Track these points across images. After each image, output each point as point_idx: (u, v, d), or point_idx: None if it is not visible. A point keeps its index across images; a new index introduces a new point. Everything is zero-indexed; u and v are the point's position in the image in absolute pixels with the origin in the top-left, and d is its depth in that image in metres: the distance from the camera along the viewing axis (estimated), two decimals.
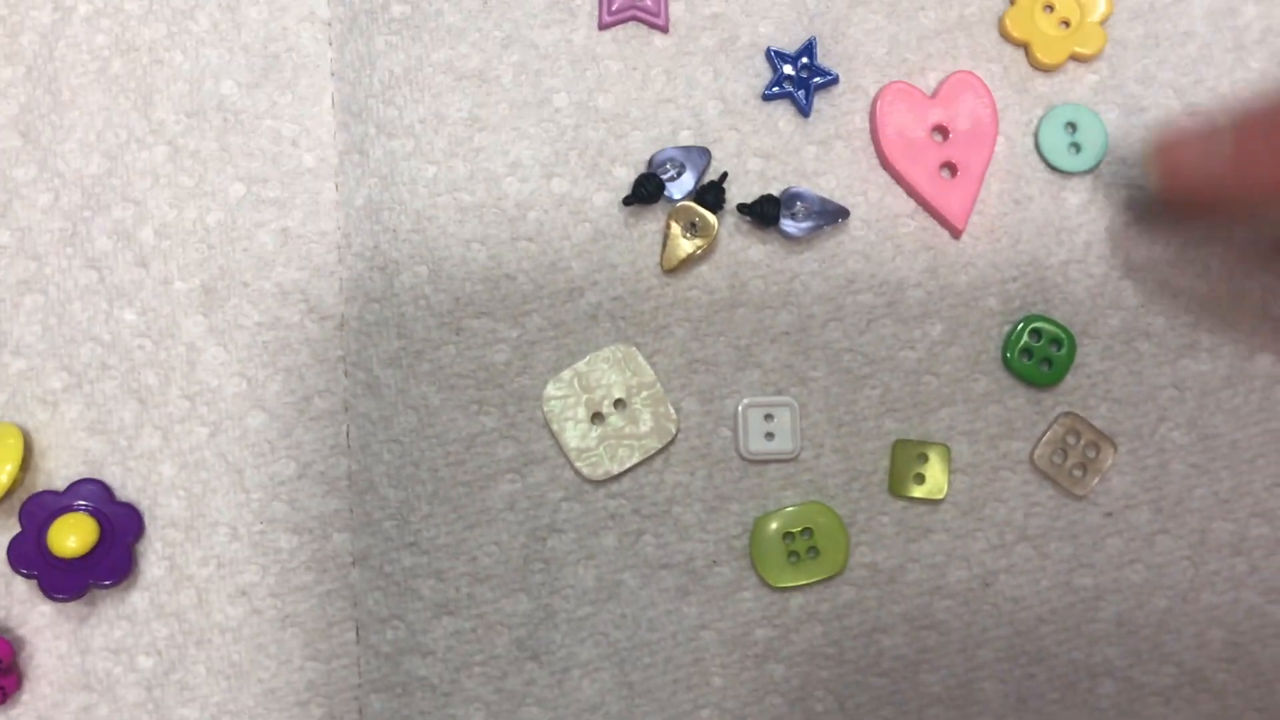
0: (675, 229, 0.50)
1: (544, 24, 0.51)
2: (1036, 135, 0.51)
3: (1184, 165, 0.45)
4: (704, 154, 0.50)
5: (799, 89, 0.51)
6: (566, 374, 0.49)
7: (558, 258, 0.50)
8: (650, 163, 0.50)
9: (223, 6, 0.51)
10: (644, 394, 0.49)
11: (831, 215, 0.50)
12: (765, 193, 0.50)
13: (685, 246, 0.50)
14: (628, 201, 0.49)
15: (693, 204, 0.50)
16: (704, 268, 0.51)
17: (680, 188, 0.50)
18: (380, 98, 0.51)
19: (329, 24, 0.51)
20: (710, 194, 0.50)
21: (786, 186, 0.50)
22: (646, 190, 0.49)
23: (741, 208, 0.49)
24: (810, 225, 0.50)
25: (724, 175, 0.50)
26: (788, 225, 0.50)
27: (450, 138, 0.50)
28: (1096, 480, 0.50)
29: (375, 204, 0.50)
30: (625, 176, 0.51)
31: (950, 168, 0.51)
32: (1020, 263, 0.51)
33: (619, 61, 0.51)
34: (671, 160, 0.50)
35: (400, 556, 0.48)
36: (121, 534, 0.48)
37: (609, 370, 0.49)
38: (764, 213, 0.49)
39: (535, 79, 0.51)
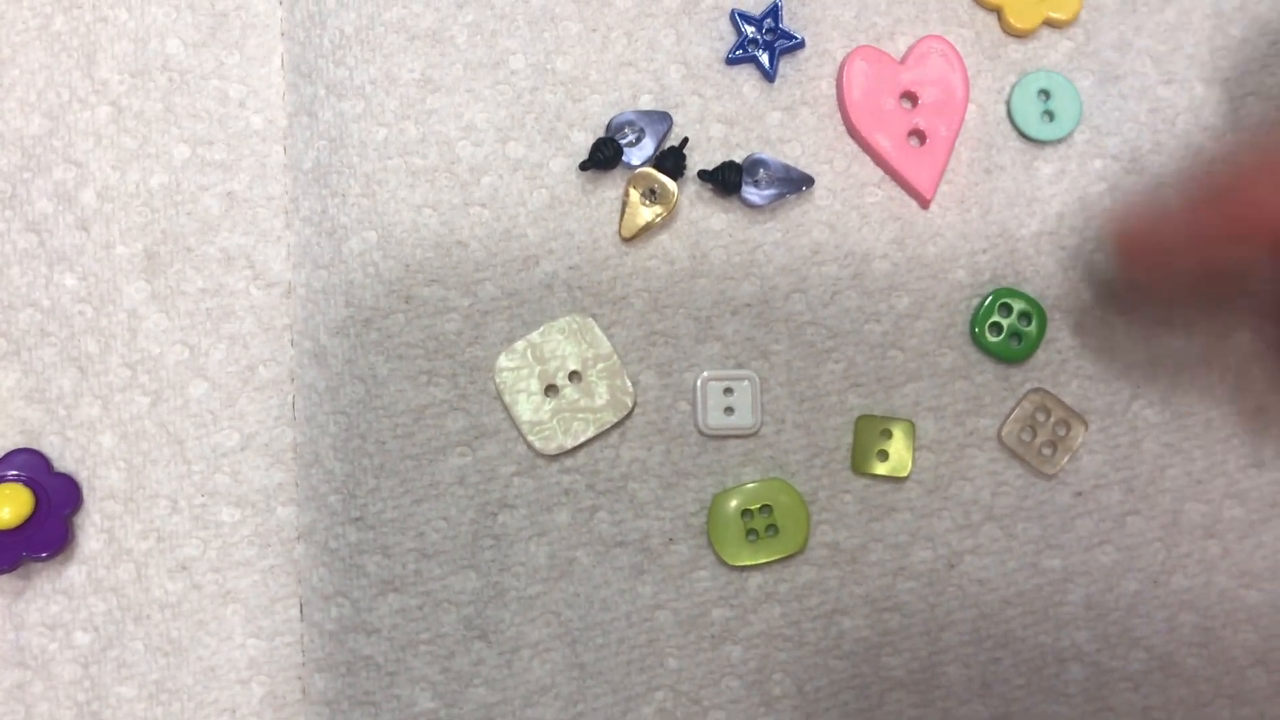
0: (634, 196, 0.48)
1: None
2: (1009, 103, 0.50)
3: (1141, 247, 0.44)
4: (665, 119, 0.49)
5: (764, 53, 0.50)
6: (520, 345, 0.48)
7: (512, 225, 0.49)
8: (609, 127, 0.48)
9: None
10: (600, 366, 0.48)
11: (795, 183, 0.48)
12: (727, 159, 0.49)
13: (644, 214, 0.48)
14: (584, 166, 0.48)
15: (652, 170, 0.48)
16: (664, 236, 0.49)
17: (639, 153, 0.48)
18: (330, 58, 0.49)
19: None
20: (670, 160, 0.48)
21: (750, 153, 0.49)
22: (604, 155, 0.48)
23: (703, 174, 0.48)
24: (773, 193, 0.48)
25: (684, 141, 0.49)
26: (750, 193, 0.48)
27: (402, 99, 0.49)
28: (1066, 459, 0.48)
29: (324, 167, 0.48)
30: (583, 141, 0.49)
31: (919, 135, 0.49)
32: (990, 234, 0.49)
33: (578, 23, 0.50)
34: (630, 124, 0.48)
35: (346, 531, 0.47)
36: (58, 506, 0.46)
37: (564, 341, 0.48)
38: (726, 180, 0.48)
39: (491, 39, 0.49)
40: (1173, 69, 0.50)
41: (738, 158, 0.49)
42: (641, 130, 0.48)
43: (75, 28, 0.49)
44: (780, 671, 0.47)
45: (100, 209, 0.48)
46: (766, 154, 0.49)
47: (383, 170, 0.48)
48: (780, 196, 0.48)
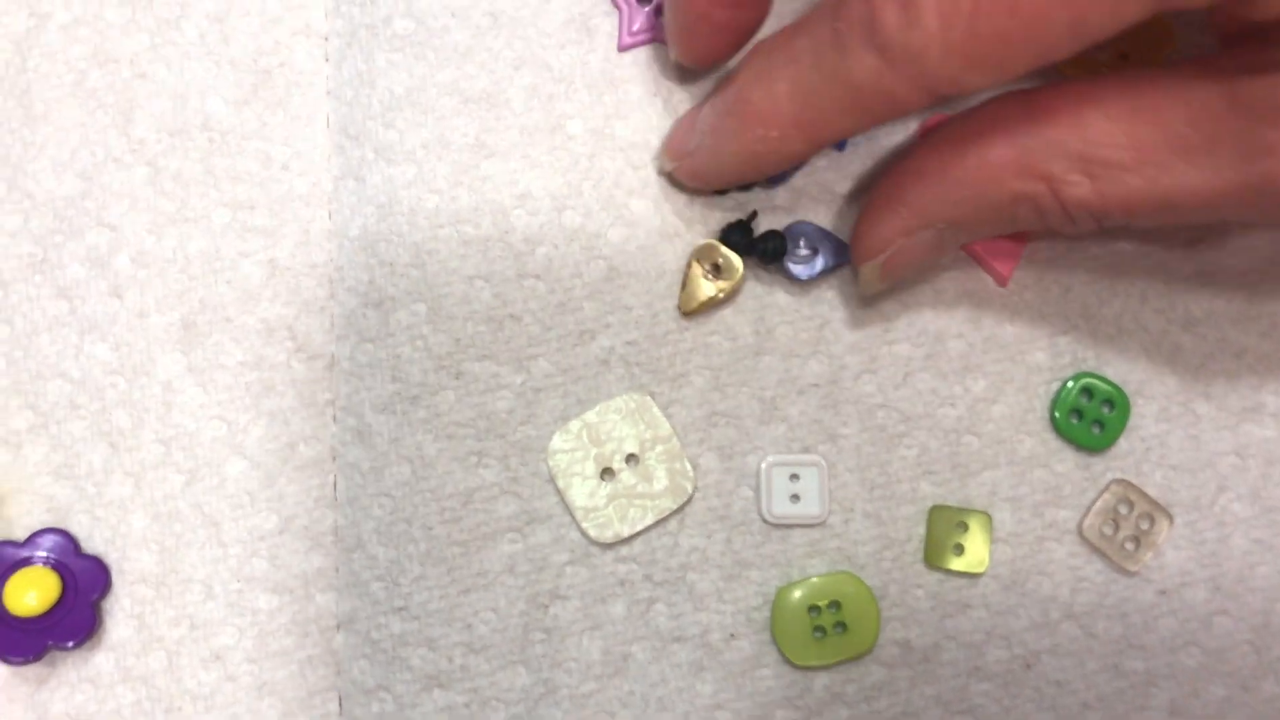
0: (696, 269, 0.46)
1: (559, 44, 0.47)
2: None
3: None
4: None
5: None
6: (575, 425, 0.45)
7: (568, 297, 0.46)
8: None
9: (211, 17, 0.47)
10: (659, 449, 0.45)
11: (842, 254, 0.46)
12: (771, 228, 0.46)
13: (707, 289, 0.46)
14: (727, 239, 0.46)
15: (717, 243, 0.46)
16: (727, 311, 0.47)
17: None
18: (380, 120, 0.47)
19: (326, 38, 0.47)
20: (737, 233, 0.46)
21: (794, 220, 0.46)
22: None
23: (731, 241, 0.45)
24: (821, 267, 0.45)
25: (753, 214, 0.46)
26: (794, 266, 0.46)
27: (454, 165, 0.46)
28: (1150, 554, 0.46)
29: (371, 235, 0.46)
30: (643, 210, 0.47)
31: None
32: (1071, 314, 0.47)
33: (640, 86, 0.47)
34: None
35: (389, 622, 0.44)
36: (85, 590, 0.44)
37: (621, 422, 0.45)
38: (767, 250, 0.45)
39: (548, 103, 0.47)
40: None
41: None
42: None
43: (111, 84, 0.47)
44: None
45: (135, 275, 0.46)
46: (810, 221, 0.46)
47: (433, 239, 0.46)
48: (831, 270, 0.46)
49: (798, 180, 0.47)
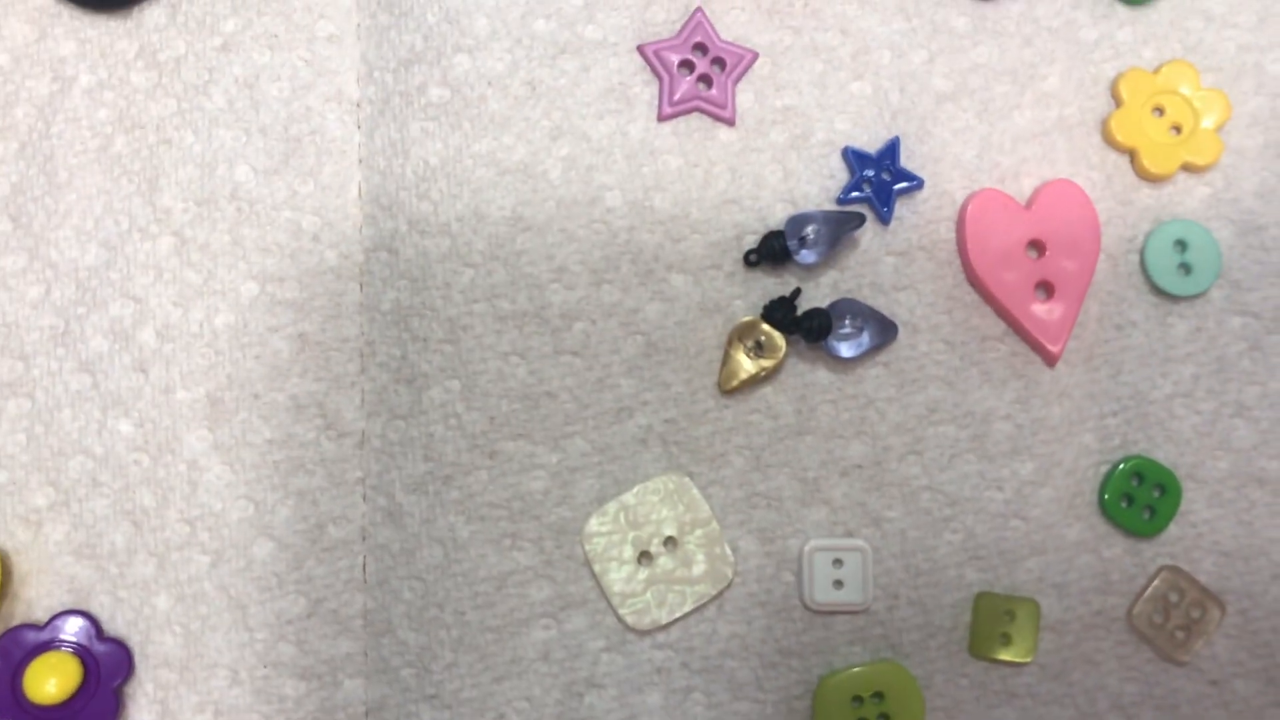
0: (738, 347, 0.45)
1: (598, 114, 0.46)
2: (1142, 253, 0.46)
3: None
4: (854, 219, 0.45)
5: (879, 193, 0.46)
6: (612, 507, 0.44)
7: (605, 374, 0.45)
8: (787, 222, 0.45)
9: (240, 82, 0.46)
10: (698, 532, 0.44)
11: (886, 333, 0.45)
12: (815, 306, 0.45)
13: (747, 366, 0.45)
14: (749, 260, 0.45)
15: (759, 320, 0.45)
16: (767, 389, 0.45)
17: (813, 254, 0.45)
18: (414, 190, 0.45)
19: (358, 105, 0.46)
20: (780, 311, 0.45)
21: (839, 297, 0.45)
22: (773, 248, 0.44)
23: (772, 319, 0.44)
24: (865, 345, 0.44)
25: (797, 291, 0.45)
26: (837, 345, 0.44)
27: (490, 238, 0.45)
28: (1201, 643, 0.45)
29: (404, 309, 0.45)
30: (683, 284, 0.45)
31: (1046, 287, 0.46)
32: (1121, 395, 0.46)
33: (679, 157, 0.46)
34: (811, 222, 0.44)
35: (419, 710, 0.43)
36: (108, 676, 0.43)
37: (659, 504, 0.44)
38: (811, 327, 0.44)
39: (586, 175, 0.46)
40: None
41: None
42: (820, 231, 0.44)
43: (137, 150, 0.46)
44: None
45: (160, 349, 0.45)
46: (855, 298, 0.45)
47: (468, 314, 0.45)
48: (875, 349, 0.45)
49: (840, 254, 0.46)
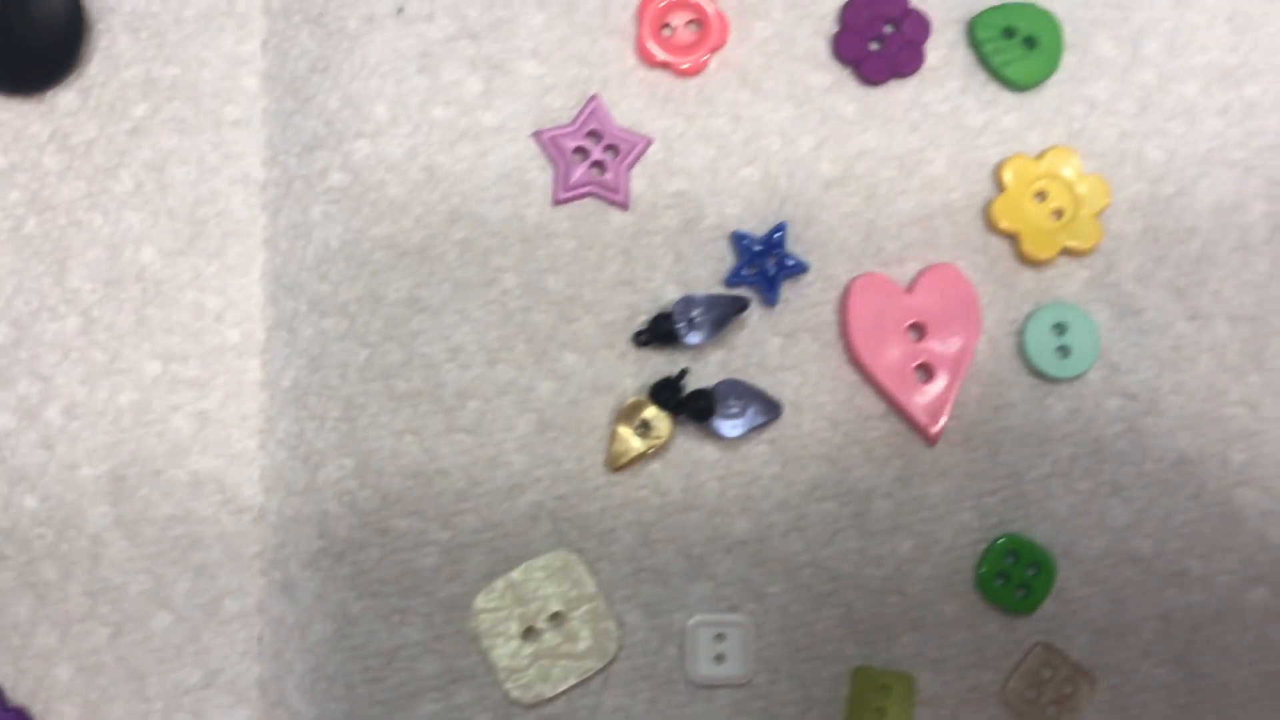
0: (625, 426, 0.46)
1: (495, 199, 0.47)
2: (1021, 335, 0.47)
3: None
4: (737, 303, 0.46)
5: (766, 277, 0.47)
6: (500, 584, 0.46)
7: (497, 452, 0.46)
8: (676, 303, 0.46)
9: (148, 166, 0.47)
10: (584, 608, 0.46)
11: (769, 412, 0.46)
12: (699, 387, 0.46)
13: (635, 445, 0.46)
14: (638, 340, 0.46)
15: (646, 400, 0.46)
16: (656, 466, 0.47)
17: (698, 336, 0.46)
18: (314, 271, 0.47)
19: (263, 188, 0.48)
20: (665, 392, 0.46)
21: (722, 379, 0.46)
22: (660, 330, 0.46)
23: (660, 399, 0.45)
24: (748, 424, 0.46)
25: (683, 372, 0.47)
26: (720, 424, 0.46)
27: (387, 319, 0.47)
28: (1072, 719, 0.46)
29: (302, 388, 0.46)
30: (575, 363, 0.47)
31: (926, 368, 0.47)
32: (999, 475, 0.47)
33: (574, 240, 0.47)
34: (697, 304, 0.46)
35: None
36: None
37: (546, 580, 0.46)
38: (697, 408, 0.46)
39: (482, 257, 0.47)
40: (1197, 304, 0.48)
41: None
42: (706, 313, 0.46)
43: (48, 232, 0.47)
44: None
45: (65, 427, 0.46)
46: (739, 378, 0.46)
47: (363, 394, 0.46)
48: (759, 428, 0.46)
49: (729, 335, 0.47)
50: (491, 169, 0.48)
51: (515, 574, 0.46)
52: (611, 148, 0.48)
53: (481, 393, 0.47)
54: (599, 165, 0.48)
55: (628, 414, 0.46)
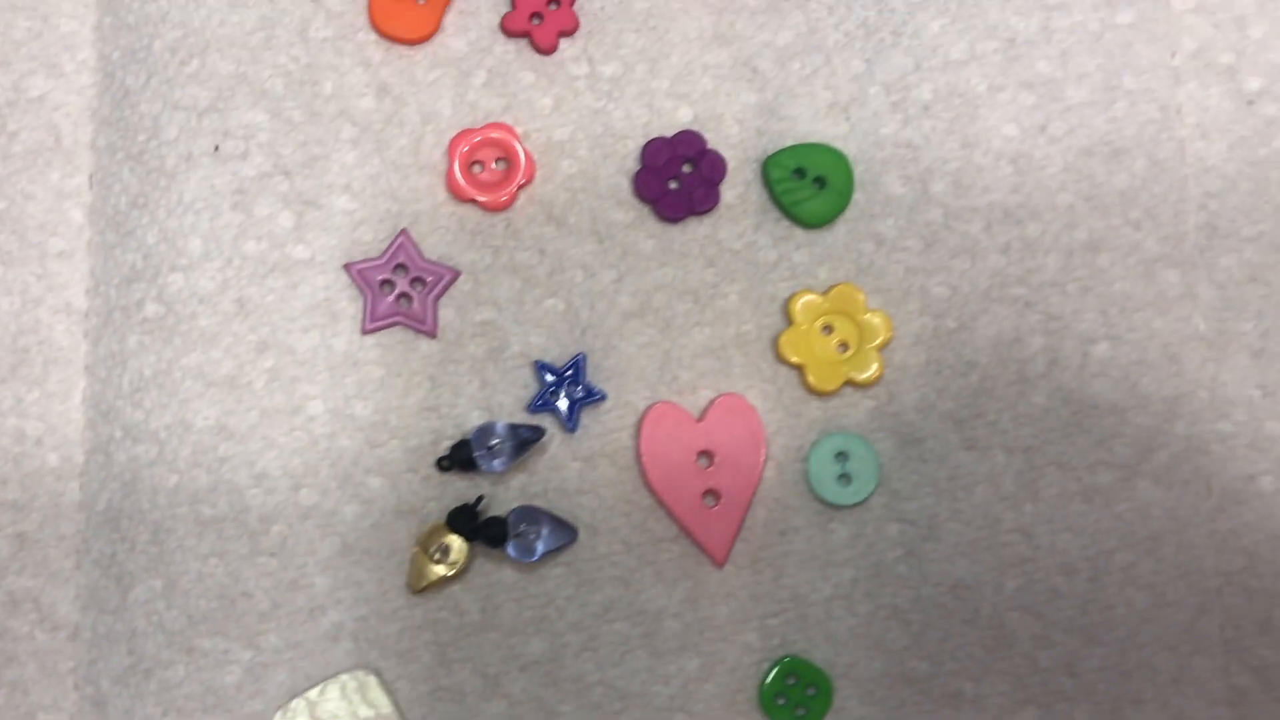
0: (423, 553, 0.48)
1: (303, 329, 0.50)
2: (806, 463, 0.50)
3: None
4: (535, 432, 0.48)
5: (565, 404, 0.50)
6: (296, 704, 0.48)
7: (300, 574, 0.48)
8: (476, 431, 0.49)
9: None
10: None
11: (564, 536, 0.48)
12: (494, 515, 0.49)
13: (433, 570, 0.48)
14: (440, 465, 0.48)
15: (444, 526, 0.48)
16: (456, 587, 0.49)
17: (500, 463, 0.48)
18: (129, 399, 0.49)
19: (86, 316, 0.50)
20: (461, 519, 0.48)
21: (516, 505, 0.48)
22: (460, 457, 0.48)
23: (456, 526, 0.48)
24: (543, 548, 0.48)
25: (479, 499, 0.49)
26: (513, 548, 0.48)
27: (195, 446, 0.49)
28: None
29: (115, 511, 0.48)
30: (380, 487, 0.49)
31: (714, 493, 0.49)
32: (782, 597, 0.49)
33: (381, 368, 0.50)
34: (496, 434, 0.48)
35: None
36: None
37: (341, 699, 0.48)
38: (491, 535, 0.48)
39: (290, 385, 0.49)
40: (975, 435, 0.50)
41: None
42: (505, 441, 0.48)
43: None
44: None
45: None
46: (536, 505, 0.49)
47: (172, 518, 0.48)
48: (553, 552, 0.48)
49: (530, 460, 0.49)
50: (301, 300, 0.50)
51: (312, 693, 0.48)
52: (419, 279, 0.50)
53: (286, 517, 0.49)
54: (406, 296, 0.50)
55: (427, 538, 0.48)
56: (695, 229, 0.51)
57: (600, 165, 0.51)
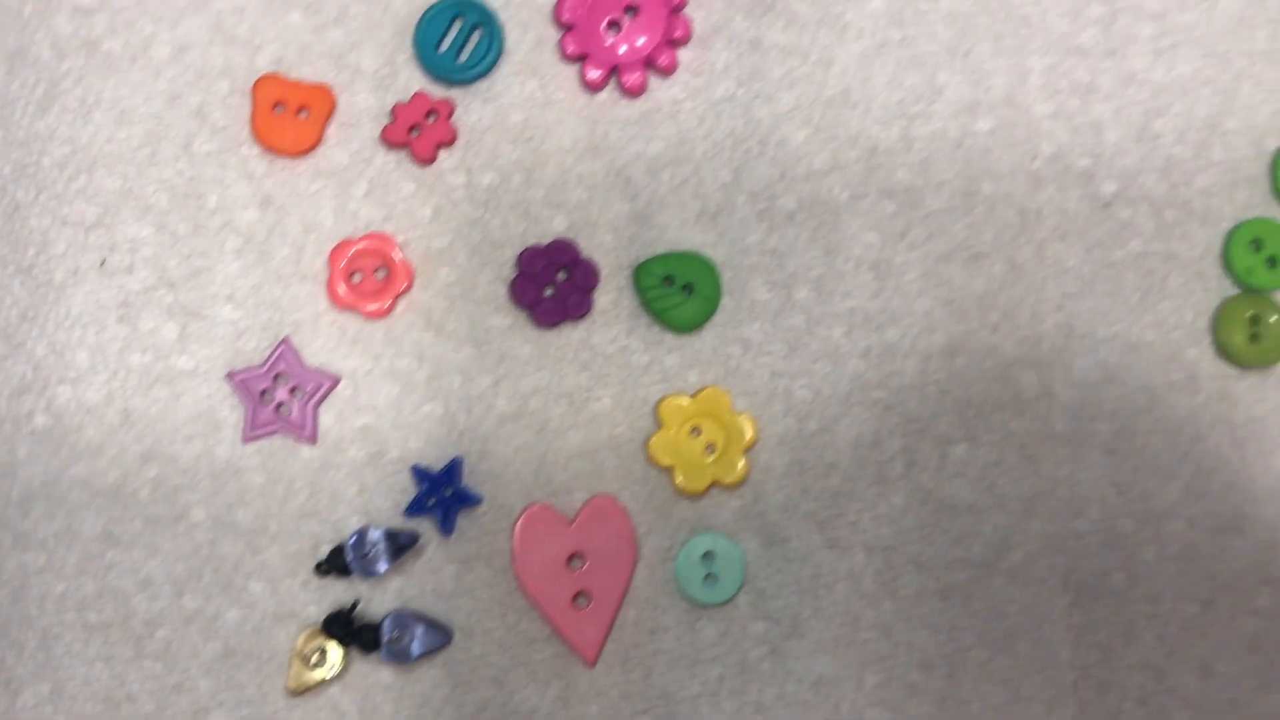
0: (300, 657, 0.50)
1: (186, 438, 0.51)
2: (675, 563, 0.51)
3: None
4: (409, 536, 0.50)
5: (442, 508, 0.51)
6: None
7: (183, 678, 0.50)
8: (355, 535, 0.50)
9: None
10: None
11: (438, 639, 0.50)
12: (368, 621, 0.50)
13: (311, 673, 0.50)
14: (319, 569, 0.50)
15: (319, 631, 0.50)
16: (335, 688, 0.50)
17: (381, 565, 0.50)
18: (19, 508, 0.51)
19: None
20: (336, 624, 0.50)
21: (390, 611, 0.50)
22: (336, 563, 0.50)
23: (333, 633, 0.49)
24: (416, 654, 0.49)
25: (355, 604, 0.50)
26: (388, 655, 0.49)
27: (82, 554, 0.50)
28: None
29: (4, 619, 0.50)
30: (261, 592, 0.51)
31: (586, 594, 0.51)
32: (651, 695, 0.51)
33: (262, 474, 0.51)
34: (372, 540, 0.50)
35: None
36: None
37: None
38: (364, 641, 0.49)
39: (173, 494, 0.51)
40: (836, 534, 0.52)
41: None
42: (380, 546, 0.50)
43: None
44: None
45: None
46: (410, 609, 0.50)
47: (59, 624, 0.50)
48: (427, 655, 0.50)
49: (407, 563, 0.51)
50: (184, 410, 0.51)
51: None
52: (298, 388, 0.52)
53: (170, 622, 0.50)
54: (286, 404, 0.51)
55: (305, 643, 0.50)
56: (570, 334, 0.53)
57: (478, 273, 0.53)
